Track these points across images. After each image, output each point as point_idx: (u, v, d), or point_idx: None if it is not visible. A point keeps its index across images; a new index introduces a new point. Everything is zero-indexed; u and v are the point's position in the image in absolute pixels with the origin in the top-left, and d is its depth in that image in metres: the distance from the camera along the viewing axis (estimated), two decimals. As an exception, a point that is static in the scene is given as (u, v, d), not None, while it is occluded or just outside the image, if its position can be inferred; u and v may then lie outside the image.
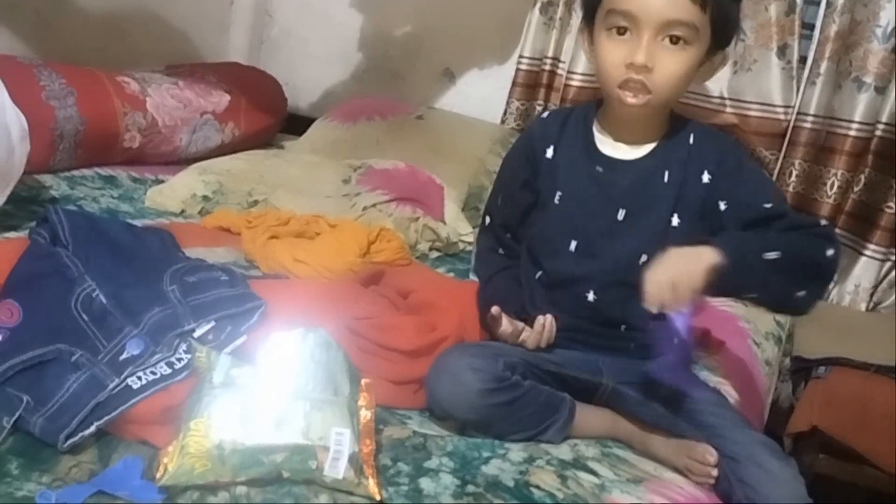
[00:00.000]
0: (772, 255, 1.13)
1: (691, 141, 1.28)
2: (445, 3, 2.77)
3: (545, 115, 1.38)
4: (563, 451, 1.19)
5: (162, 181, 2.12)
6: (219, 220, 1.90)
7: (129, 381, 1.01)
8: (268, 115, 2.62)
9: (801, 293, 1.18)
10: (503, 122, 2.64)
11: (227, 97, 2.46)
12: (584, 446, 1.22)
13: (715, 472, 1.15)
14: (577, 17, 2.50)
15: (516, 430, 1.18)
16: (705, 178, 1.26)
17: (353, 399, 1.03)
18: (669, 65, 1.17)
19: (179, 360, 1.05)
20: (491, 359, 1.17)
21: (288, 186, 2.10)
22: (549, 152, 1.31)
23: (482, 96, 2.72)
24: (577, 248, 1.29)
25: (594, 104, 1.34)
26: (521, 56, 2.59)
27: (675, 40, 1.17)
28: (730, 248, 1.12)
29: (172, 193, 2.03)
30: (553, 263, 1.31)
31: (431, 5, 2.79)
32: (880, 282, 2.33)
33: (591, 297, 1.29)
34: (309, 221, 1.84)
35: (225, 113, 2.44)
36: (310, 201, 2.03)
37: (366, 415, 1.04)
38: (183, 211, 2.01)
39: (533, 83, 2.60)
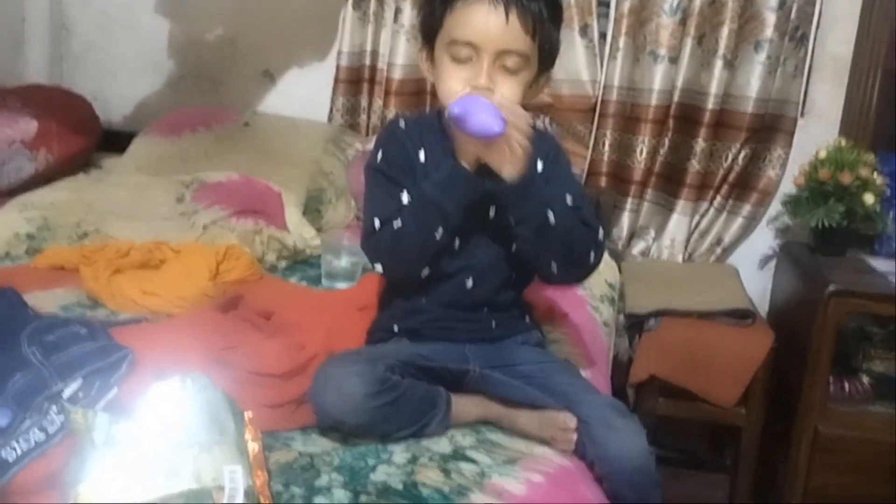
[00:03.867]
0: (553, 213, 1.30)
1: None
2: (256, 3, 2.73)
3: (401, 123, 1.43)
4: (443, 445, 1.26)
5: (-22, 223, 1.98)
6: (51, 258, 1.82)
7: (2, 453, 0.97)
8: (81, 137, 2.49)
9: (554, 267, 1.36)
10: (330, 119, 2.65)
11: (35, 122, 2.32)
12: (460, 436, 1.30)
13: (575, 436, 1.27)
14: (390, 10, 2.54)
15: (400, 427, 1.24)
16: (539, 166, 1.40)
17: (240, 434, 1.05)
18: (506, 88, 1.31)
19: (52, 423, 1.02)
20: (370, 363, 1.23)
21: (119, 212, 2.03)
22: (422, 156, 1.39)
23: (305, 95, 2.71)
24: (459, 245, 1.37)
25: (436, 114, 1.44)
26: (339, 52, 2.61)
27: (509, 67, 1.30)
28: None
29: (-7, 235, 1.91)
30: (439, 262, 1.37)
31: (242, 6, 2.74)
32: (692, 233, 2.57)
33: (469, 283, 1.39)
34: (151, 249, 1.80)
35: (35, 140, 2.30)
36: (145, 226, 1.98)
37: (254, 447, 1.06)
38: (7, 253, 1.91)
39: (356, 78, 2.62)
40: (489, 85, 1.29)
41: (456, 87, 1.30)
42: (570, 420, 1.27)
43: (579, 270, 1.42)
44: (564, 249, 1.34)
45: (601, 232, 1.39)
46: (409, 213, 1.32)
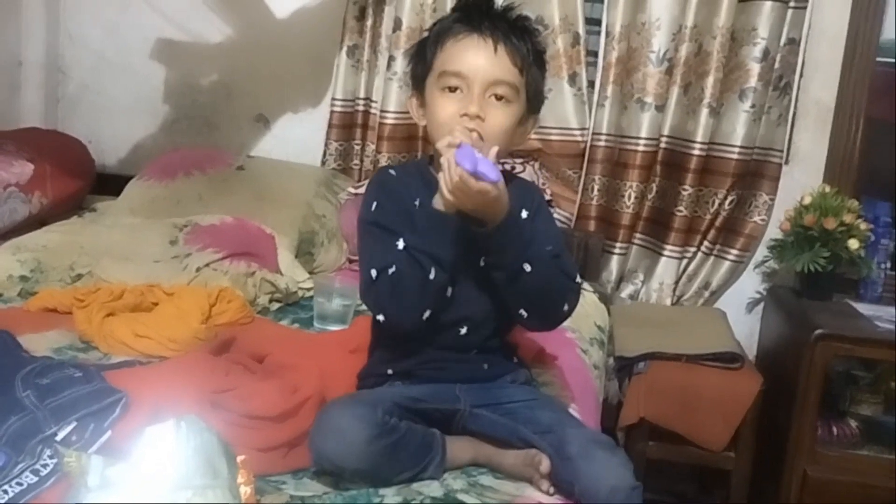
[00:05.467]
0: (530, 263, 1.32)
1: (513, 188, 1.40)
2: (252, 48, 2.77)
3: (392, 171, 1.46)
4: (434, 489, 1.26)
5: (-30, 266, 1.99)
6: (44, 301, 1.82)
7: (-6, 497, 0.98)
8: (76, 180, 2.52)
9: (523, 314, 1.38)
10: (323, 163, 2.69)
11: (31, 166, 2.34)
12: (451, 479, 1.30)
13: (546, 481, 1.27)
14: (383, 58, 2.59)
15: (400, 471, 1.25)
16: (524, 214, 1.42)
17: (233, 478, 1.05)
18: (497, 116, 1.35)
19: (45, 466, 1.03)
20: (370, 407, 1.24)
21: (112, 255, 2.04)
22: (418, 203, 1.39)
23: (299, 139, 2.76)
24: (452, 293, 1.39)
25: (424, 162, 1.46)
26: (333, 98, 2.65)
27: (499, 97, 1.35)
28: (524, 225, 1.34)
29: (-14, 277, 1.92)
30: (441, 305, 1.38)
31: (237, 51, 2.79)
32: (680, 277, 2.60)
33: (463, 331, 1.41)
34: (144, 292, 1.81)
35: (30, 183, 2.32)
36: (138, 268, 1.99)
37: (246, 491, 1.06)
38: (0, 295, 1.91)
39: (349, 124, 2.66)
40: (479, 113, 1.33)
41: (447, 116, 1.33)
42: (544, 464, 1.28)
43: (550, 319, 1.44)
44: (537, 299, 1.37)
45: (578, 281, 1.42)
46: (402, 259, 1.32)
